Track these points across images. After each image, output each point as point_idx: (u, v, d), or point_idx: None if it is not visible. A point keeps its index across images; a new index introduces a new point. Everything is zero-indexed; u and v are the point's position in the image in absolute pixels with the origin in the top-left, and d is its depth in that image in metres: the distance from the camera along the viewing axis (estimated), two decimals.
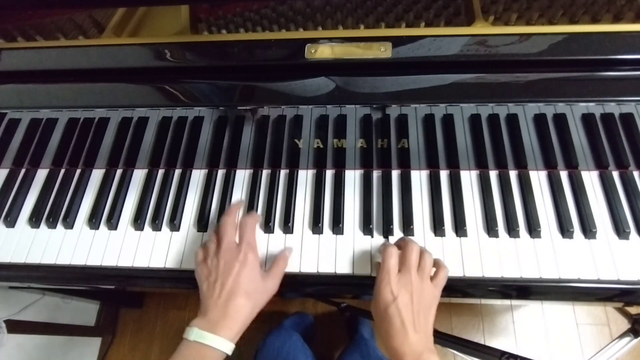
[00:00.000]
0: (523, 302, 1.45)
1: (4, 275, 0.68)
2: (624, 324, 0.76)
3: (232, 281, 0.55)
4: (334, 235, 0.65)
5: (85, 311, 1.54)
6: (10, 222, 0.71)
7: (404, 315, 0.52)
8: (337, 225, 0.65)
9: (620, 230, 0.61)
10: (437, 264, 0.58)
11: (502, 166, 0.68)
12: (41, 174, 0.75)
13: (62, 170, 0.75)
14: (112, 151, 0.74)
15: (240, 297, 0.54)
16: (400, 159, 0.69)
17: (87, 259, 0.66)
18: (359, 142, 0.69)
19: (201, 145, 0.72)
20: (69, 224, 0.69)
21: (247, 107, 0.68)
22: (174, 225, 0.68)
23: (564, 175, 0.67)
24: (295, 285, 0.64)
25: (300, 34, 0.66)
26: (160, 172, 0.74)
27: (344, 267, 0.63)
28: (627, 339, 0.72)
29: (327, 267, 0.63)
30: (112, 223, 0.69)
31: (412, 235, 0.64)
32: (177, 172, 0.73)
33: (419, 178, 0.69)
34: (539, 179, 0.67)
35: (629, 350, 0.71)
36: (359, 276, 0.62)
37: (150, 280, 0.67)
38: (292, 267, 0.63)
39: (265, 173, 0.72)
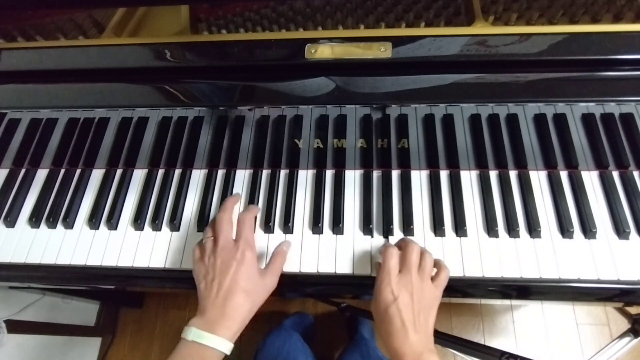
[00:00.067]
0: (523, 302, 1.45)
1: (4, 275, 0.68)
2: (624, 324, 0.76)
3: (230, 280, 0.54)
4: (334, 235, 0.65)
5: (85, 311, 1.54)
6: (10, 222, 0.71)
7: (404, 315, 0.52)
8: (337, 225, 0.65)
9: (620, 230, 0.62)
10: (438, 264, 0.58)
11: (502, 166, 0.68)
12: (41, 174, 0.75)
13: (62, 170, 0.75)
14: (112, 151, 0.74)
15: (238, 296, 0.54)
16: (400, 159, 0.69)
17: (87, 259, 0.66)
18: (359, 142, 0.69)
19: (201, 145, 0.72)
20: (69, 224, 0.69)
21: (247, 107, 0.68)
22: (174, 225, 0.68)
23: (564, 175, 0.67)
24: (295, 285, 0.64)
25: (300, 34, 0.66)
26: (160, 172, 0.74)
27: (344, 267, 0.63)
28: (627, 339, 0.72)
29: (327, 267, 0.63)
30: (112, 223, 0.69)
31: (412, 235, 0.64)
32: (177, 172, 0.73)
33: (419, 178, 0.69)
34: (539, 179, 0.67)
35: (629, 350, 0.71)
36: (359, 276, 0.62)
37: (150, 280, 0.67)
38: (292, 267, 0.63)
39: (265, 173, 0.72)
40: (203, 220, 0.68)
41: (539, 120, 0.66)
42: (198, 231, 0.68)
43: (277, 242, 0.65)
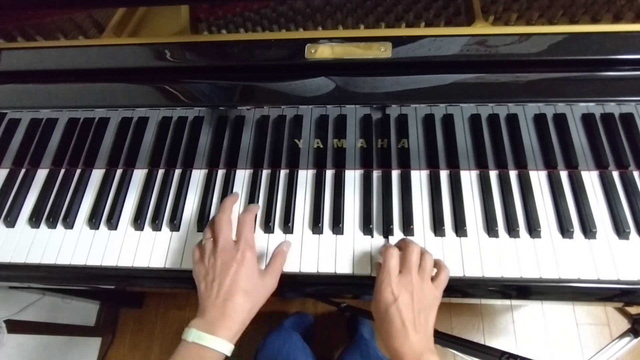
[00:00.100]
0: (523, 302, 1.45)
1: (4, 275, 0.68)
2: (624, 324, 0.76)
3: (230, 281, 0.54)
4: (334, 235, 0.65)
5: (85, 311, 1.54)
6: (10, 222, 0.71)
7: (404, 315, 0.52)
8: (337, 225, 0.65)
9: (620, 230, 0.62)
10: (438, 265, 0.58)
11: (502, 166, 0.68)
12: (41, 174, 0.75)
13: (62, 170, 0.75)
14: (112, 151, 0.74)
15: (238, 297, 0.54)
16: (400, 159, 0.69)
17: (87, 259, 0.66)
18: (359, 142, 0.69)
19: (201, 145, 0.72)
20: (69, 224, 0.69)
21: (247, 107, 0.68)
22: (174, 225, 0.68)
23: (564, 175, 0.67)
24: (295, 285, 0.64)
25: (300, 34, 0.66)
26: (160, 172, 0.74)
27: (344, 267, 0.63)
28: (627, 339, 0.72)
29: (327, 267, 0.63)
30: (112, 223, 0.69)
31: (412, 235, 0.64)
32: (177, 172, 0.73)
33: (419, 178, 0.69)
34: (539, 179, 0.67)
35: (629, 350, 0.71)
36: (359, 276, 0.62)
37: (150, 280, 0.67)
38: (292, 267, 0.63)
39: (265, 173, 0.72)
40: (203, 220, 0.68)
41: (539, 120, 0.66)
42: (198, 231, 0.68)
43: (277, 242, 0.65)
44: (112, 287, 0.75)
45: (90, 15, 0.73)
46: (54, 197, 0.73)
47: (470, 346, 0.77)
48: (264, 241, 0.66)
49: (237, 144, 0.71)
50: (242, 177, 0.72)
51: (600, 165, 0.66)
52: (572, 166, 0.67)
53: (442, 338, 0.77)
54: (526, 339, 1.47)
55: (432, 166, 0.69)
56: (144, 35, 0.72)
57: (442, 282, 0.57)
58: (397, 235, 0.64)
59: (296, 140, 0.70)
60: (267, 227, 0.66)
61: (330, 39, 0.62)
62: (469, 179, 0.68)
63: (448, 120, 0.67)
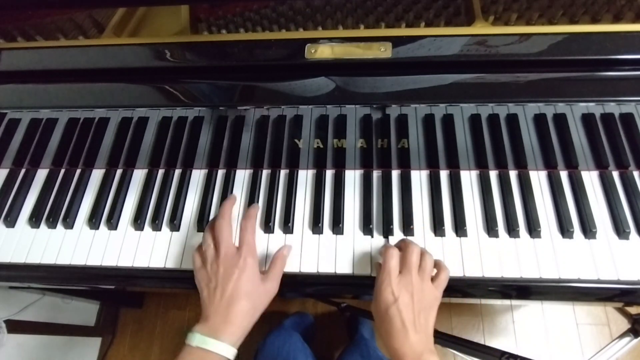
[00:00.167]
0: (523, 302, 1.45)
1: (4, 275, 0.68)
2: (624, 324, 0.76)
3: (232, 287, 0.55)
4: (334, 235, 0.65)
5: (85, 311, 1.54)
6: (10, 222, 0.71)
7: (404, 315, 0.52)
8: (337, 225, 0.65)
9: (620, 230, 0.62)
10: (438, 265, 0.58)
11: (502, 166, 0.68)
12: (41, 174, 0.75)
13: (62, 170, 0.75)
14: (112, 151, 0.74)
15: (241, 302, 0.55)
16: (400, 159, 0.69)
17: (87, 259, 0.66)
18: (359, 142, 0.69)
19: (201, 145, 0.72)
20: (69, 224, 0.69)
21: (247, 107, 0.68)
22: (174, 225, 0.68)
23: (564, 175, 0.67)
24: (295, 285, 0.64)
25: (300, 34, 0.66)
26: (160, 172, 0.74)
27: (344, 267, 0.63)
28: (627, 339, 0.72)
29: (327, 267, 0.63)
30: (112, 223, 0.69)
31: (412, 235, 0.64)
32: (177, 172, 0.73)
33: (419, 178, 0.69)
34: (539, 179, 0.67)
35: (629, 350, 0.71)
36: (359, 276, 0.62)
37: (150, 280, 0.67)
38: (292, 267, 0.63)
39: (265, 173, 0.72)
40: (203, 220, 0.68)
41: (539, 120, 0.66)
42: (198, 231, 0.68)
43: (277, 242, 0.65)
44: (112, 287, 0.75)
45: (90, 15, 0.73)
46: (54, 197, 0.73)
47: (470, 346, 0.77)
48: (264, 241, 0.66)
49: (237, 144, 0.71)
50: (242, 177, 0.72)
51: (600, 165, 0.66)
52: (572, 166, 0.67)
53: (442, 338, 0.77)
54: (526, 339, 1.47)
55: (432, 166, 0.69)
56: (144, 35, 0.72)
57: (442, 283, 0.57)
58: (397, 235, 0.64)
59: (296, 140, 0.70)
60: (267, 227, 0.66)
61: (330, 39, 0.62)
62: (469, 179, 0.68)
63: (448, 120, 0.67)
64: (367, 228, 0.65)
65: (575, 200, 0.65)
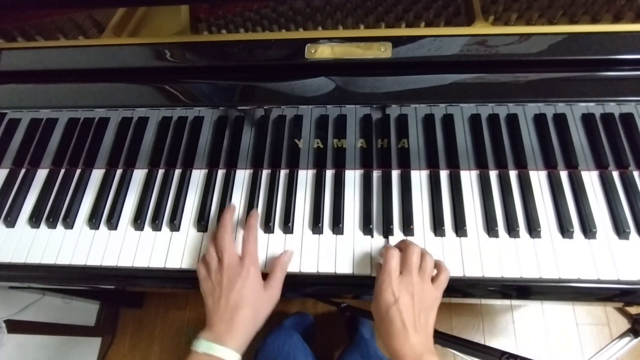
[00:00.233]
0: (523, 302, 1.45)
1: (4, 275, 0.68)
2: (624, 324, 0.76)
3: (236, 296, 0.56)
4: (334, 235, 0.65)
5: (85, 311, 1.54)
6: (10, 222, 0.71)
7: (405, 316, 0.52)
8: (337, 225, 0.65)
9: (620, 230, 0.61)
10: (438, 266, 0.58)
11: (502, 166, 0.68)
12: (41, 174, 0.75)
13: (62, 170, 0.75)
14: (112, 151, 0.74)
15: (244, 311, 0.56)
16: (400, 159, 0.69)
17: (87, 259, 0.66)
18: (359, 142, 0.69)
19: (201, 145, 0.72)
20: (69, 224, 0.69)
21: (247, 107, 0.68)
22: (174, 225, 0.68)
23: (564, 175, 0.67)
24: (295, 285, 0.64)
25: (300, 34, 0.66)
26: (160, 172, 0.74)
27: (344, 267, 0.63)
28: (627, 339, 0.72)
29: (327, 267, 0.63)
30: (112, 223, 0.69)
31: (412, 235, 0.64)
32: (177, 172, 0.73)
33: (419, 178, 0.69)
34: (539, 179, 0.67)
35: (629, 350, 0.71)
36: (359, 276, 0.62)
37: (150, 280, 0.67)
38: (292, 267, 0.63)
39: (265, 173, 0.72)
40: (203, 220, 0.68)
41: (539, 120, 0.66)
42: (198, 231, 0.68)
43: (277, 242, 0.65)
44: (112, 287, 0.75)
45: (90, 15, 0.73)
46: (54, 197, 0.73)
47: (470, 346, 0.77)
48: (264, 241, 0.66)
49: (237, 144, 0.71)
50: (242, 177, 0.72)
51: (600, 165, 0.66)
52: (572, 166, 0.67)
53: (442, 338, 0.77)
54: (526, 339, 1.47)
55: (432, 166, 0.69)
56: (144, 35, 0.72)
57: (442, 283, 0.57)
58: (397, 235, 0.64)
59: (296, 140, 0.70)
60: (267, 227, 0.66)
61: (330, 39, 0.62)
62: (469, 179, 0.68)
63: (448, 120, 0.67)
64: (367, 228, 0.65)
65: (575, 200, 0.65)
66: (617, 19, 0.63)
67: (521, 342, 1.46)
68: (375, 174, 0.70)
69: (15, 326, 1.17)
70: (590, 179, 0.67)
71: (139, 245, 0.67)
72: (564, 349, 1.44)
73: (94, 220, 0.69)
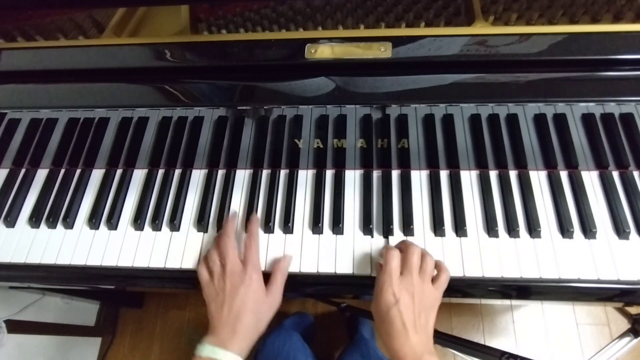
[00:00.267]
0: (523, 302, 1.45)
1: (4, 275, 0.68)
2: (624, 324, 0.76)
3: (239, 303, 0.57)
4: (334, 235, 0.65)
5: (85, 311, 1.54)
6: (10, 222, 0.71)
7: (405, 316, 0.52)
8: (337, 225, 0.65)
9: (620, 230, 0.61)
10: (438, 266, 0.58)
11: (502, 166, 0.68)
12: (41, 174, 0.75)
13: (62, 170, 0.75)
14: (112, 151, 0.74)
15: (247, 316, 0.57)
16: (400, 159, 0.69)
17: (87, 259, 0.66)
18: (359, 142, 0.69)
19: (201, 145, 0.72)
20: (69, 224, 0.69)
21: (247, 107, 0.68)
22: (174, 225, 0.68)
23: (564, 175, 0.67)
24: (295, 285, 0.64)
25: (300, 34, 0.66)
26: (160, 172, 0.74)
27: (344, 267, 0.63)
28: (627, 339, 0.72)
29: (327, 267, 0.63)
30: (112, 223, 0.69)
31: (412, 235, 0.64)
32: (177, 172, 0.73)
33: (419, 178, 0.69)
34: (539, 179, 0.67)
35: (629, 350, 0.71)
36: (359, 276, 0.62)
37: (150, 280, 0.67)
38: (292, 267, 0.63)
39: (265, 173, 0.72)
40: (203, 220, 0.68)
41: (539, 120, 0.66)
42: (198, 231, 0.68)
43: (277, 242, 0.65)
44: (112, 287, 0.75)
45: (90, 15, 0.73)
46: (54, 197, 0.73)
47: (470, 346, 0.77)
48: (264, 241, 0.66)
49: (237, 144, 0.71)
50: (242, 177, 0.72)
51: (600, 165, 0.66)
52: (572, 166, 0.67)
53: (442, 338, 0.77)
54: (526, 339, 1.47)
55: (432, 166, 0.69)
56: (144, 35, 0.72)
57: (443, 284, 0.57)
58: (397, 235, 0.64)
59: (296, 140, 0.70)
60: (267, 227, 0.66)
61: (330, 39, 0.62)
62: (469, 179, 0.68)
63: (448, 120, 0.67)
64: (367, 228, 0.65)
65: (575, 200, 0.65)
66: (617, 19, 0.63)
67: (521, 342, 1.46)
68: (375, 174, 0.70)
69: (15, 326, 1.17)
70: (590, 179, 0.67)
71: (139, 245, 0.67)
72: (564, 349, 1.44)
73: (94, 220, 0.69)
